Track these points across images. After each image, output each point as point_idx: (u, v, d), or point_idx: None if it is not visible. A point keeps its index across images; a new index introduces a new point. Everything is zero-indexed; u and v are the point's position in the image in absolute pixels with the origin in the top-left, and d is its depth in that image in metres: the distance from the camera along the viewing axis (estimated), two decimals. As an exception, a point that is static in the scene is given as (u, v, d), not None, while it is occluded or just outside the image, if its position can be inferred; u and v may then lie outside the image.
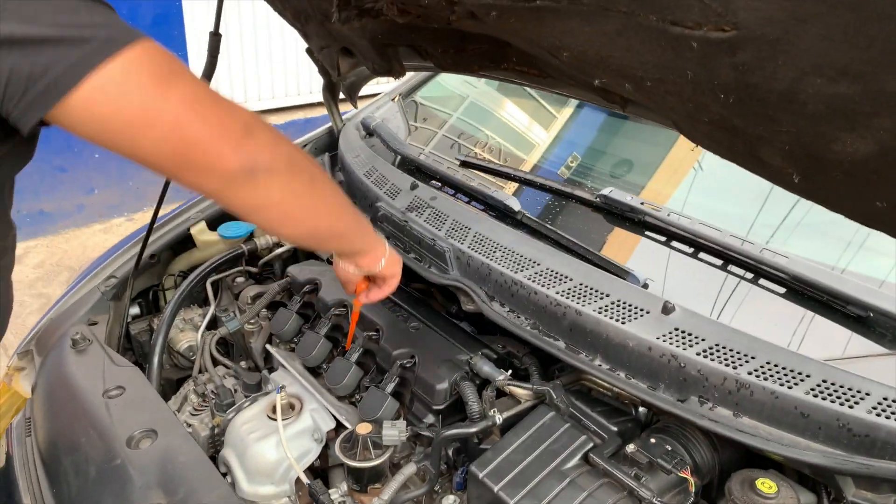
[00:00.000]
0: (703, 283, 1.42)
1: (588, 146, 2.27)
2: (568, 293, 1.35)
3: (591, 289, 1.34)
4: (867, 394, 1.06)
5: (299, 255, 2.13)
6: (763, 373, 1.13)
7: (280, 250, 2.05)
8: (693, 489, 1.13)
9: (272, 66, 5.33)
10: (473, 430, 1.28)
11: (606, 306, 1.30)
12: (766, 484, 1.10)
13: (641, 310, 1.27)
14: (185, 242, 2.08)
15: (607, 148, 2.24)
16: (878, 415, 1.04)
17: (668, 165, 1.96)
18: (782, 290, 1.34)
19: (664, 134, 2.01)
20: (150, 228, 1.66)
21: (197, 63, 4.86)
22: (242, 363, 1.89)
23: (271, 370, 1.79)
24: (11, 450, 1.55)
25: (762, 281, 1.37)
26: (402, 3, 1.17)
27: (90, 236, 4.52)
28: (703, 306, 1.31)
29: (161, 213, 2.08)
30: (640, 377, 1.25)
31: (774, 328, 1.27)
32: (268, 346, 1.77)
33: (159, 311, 2.06)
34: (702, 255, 1.46)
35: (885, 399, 1.05)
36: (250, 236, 2.08)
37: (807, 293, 1.30)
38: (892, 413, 1.04)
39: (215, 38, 1.42)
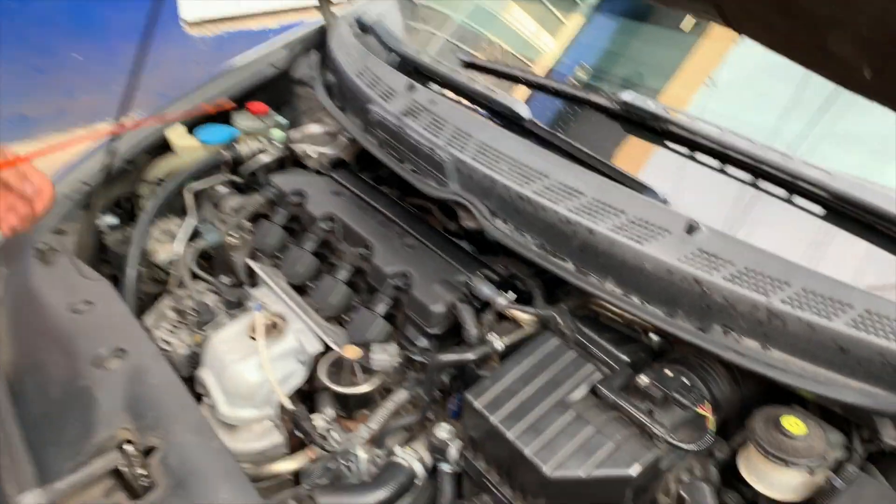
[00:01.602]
0: (732, 201, 1.27)
1: (597, 56, 2.08)
2: (579, 210, 1.21)
3: (606, 205, 1.20)
4: (917, 327, 0.94)
5: (286, 164, 1.97)
6: (798, 301, 1.00)
7: (265, 159, 1.89)
8: (711, 426, 1.03)
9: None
10: (470, 356, 1.17)
11: (622, 225, 1.16)
12: (793, 422, 1.00)
13: (662, 229, 1.14)
14: (162, 147, 1.92)
15: (617, 59, 2.04)
16: (929, 351, 0.92)
17: (678, 80, 1.79)
18: (822, 210, 1.20)
19: (675, 47, 1.84)
20: (118, 131, 1.50)
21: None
22: (224, 278, 1.76)
23: (255, 286, 1.67)
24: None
25: (798, 199, 1.23)
26: None
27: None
28: (730, 227, 1.17)
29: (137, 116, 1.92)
30: (657, 303, 1.13)
31: (811, 252, 1.13)
32: (250, 261, 1.64)
33: (136, 221, 1.92)
34: (730, 168, 1.31)
35: (938, 334, 0.93)
36: (233, 142, 1.92)
37: (849, 213, 1.16)
38: (945, 350, 0.92)
39: None
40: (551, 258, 1.24)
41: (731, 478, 1.22)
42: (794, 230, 1.20)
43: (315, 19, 2.26)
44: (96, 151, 1.82)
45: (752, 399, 1.16)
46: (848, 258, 1.13)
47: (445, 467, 1.20)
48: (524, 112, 1.47)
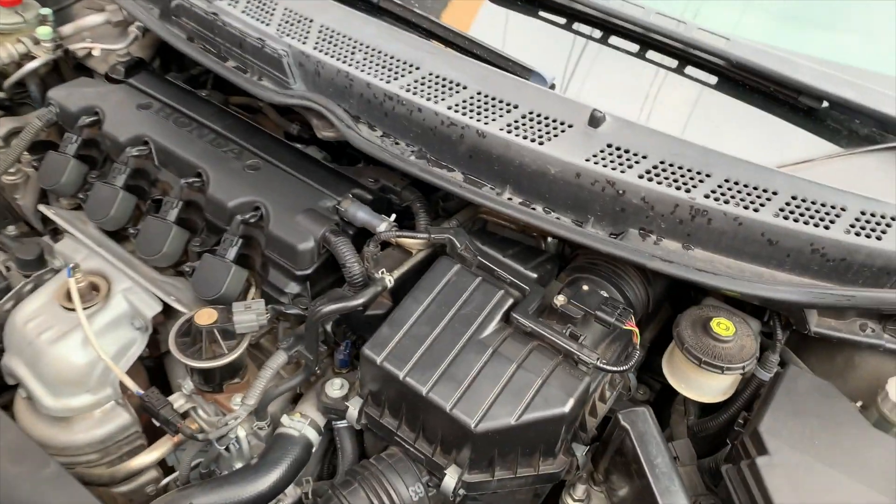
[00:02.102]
0: (620, 77, 1.13)
1: None
2: (464, 107, 1.01)
3: (493, 99, 1.01)
4: (842, 209, 0.88)
5: (62, 68, 1.54)
6: (723, 194, 0.90)
7: (32, 65, 1.45)
8: (638, 340, 0.94)
9: None
10: (358, 301, 0.97)
11: (516, 121, 0.98)
12: (723, 325, 0.93)
13: (562, 123, 0.97)
14: None
15: None
16: (858, 234, 0.87)
17: None
18: (715, 79, 1.09)
19: None
20: None
21: None
22: (10, 228, 1.39)
23: (55, 234, 1.32)
24: None
25: (691, 69, 1.11)
26: None
27: None
28: (626, 109, 1.03)
29: None
30: (564, 210, 0.99)
31: (708, 130, 1.04)
32: (42, 207, 1.28)
33: None
34: (614, 39, 1.16)
35: (864, 213, 0.88)
36: (-18, 46, 1.46)
37: (749, 83, 1.06)
38: (872, 230, 0.87)
39: None
40: (434, 169, 1.04)
41: (639, 372, 1.18)
42: (685, 106, 1.09)
43: None
44: None
45: (659, 294, 1.10)
46: (749, 133, 1.04)
47: (342, 424, 1.03)
48: (369, -17, 1.21)
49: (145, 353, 1.18)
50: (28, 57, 1.47)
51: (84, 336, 1.07)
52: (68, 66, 1.55)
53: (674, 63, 1.12)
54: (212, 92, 1.42)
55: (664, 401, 1.14)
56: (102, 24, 1.55)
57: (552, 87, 1.07)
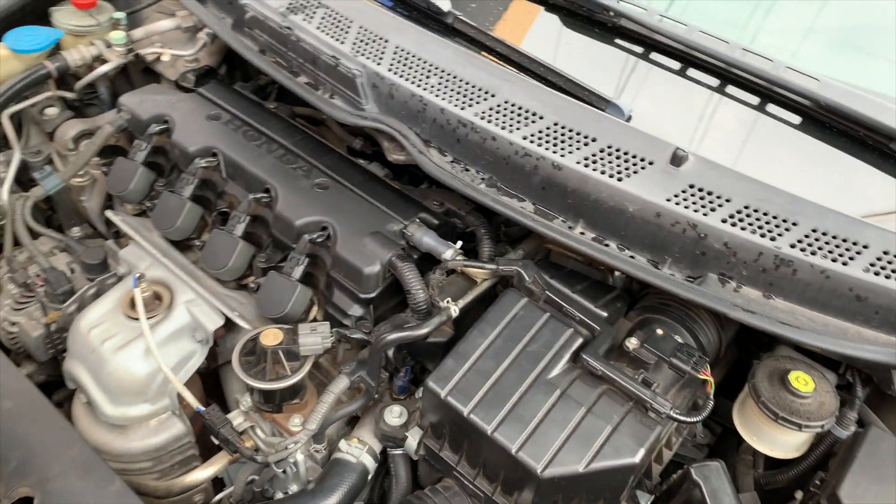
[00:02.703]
0: (698, 112, 1.10)
1: None
2: (540, 138, 0.99)
3: (570, 130, 0.98)
4: (938, 267, 0.84)
5: (131, 72, 1.56)
6: (810, 244, 0.86)
7: (103, 68, 1.47)
8: (712, 390, 0.91)
9: None
10: (425, 331, 0.96)
11: (594, 155, 0.96)
12: (801, 379, 0.89)
13: (642, 160, 0.95)
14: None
15: None
16: (954, 296, 0.82)
17: None
18: (799, 119, 1.06)
19: None
20: None
21: None
22: (75, 230, 1.41)
23: (118, 236, 1.34)
24: None
25: (773, 107, 1.07)
26: None
27: None
28: (704, 145, 1.00)
29: None
30: (640, 249, 0.96)
31: (790, 172, 1.00)
32: (109, 214, 1.30)
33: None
34: (693, 72, 1.12)
35: (962, 275, 0.83)
36: (56, 48, 1.48)
37: (836, 125, 1.02)
38: (970, 292, 0.82)
39: None
40: (504, 198, 1.02)
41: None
42: (769, 147, 1.05)
43: None
44: None
45: (730, 337, 1.06)
46: (834, 178, 1.00)
47: (397, 451, 1.02)
48: (444, 5, 1.19)
49: (202, 365, 1.18)
50: (100, 60, 1.49)
51: (146, 346, 1.08)
52: (137, 70, 1.57)
53: (755, 100, 1.08)
54: (279, 104, 1.42)
55: (724, 444, 1.11)
56: (173, 30, 1.56)
57: (629, 119, 1.05)
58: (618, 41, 1.18)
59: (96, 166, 1.38)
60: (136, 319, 1.09)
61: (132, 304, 1.11)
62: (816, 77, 1.00)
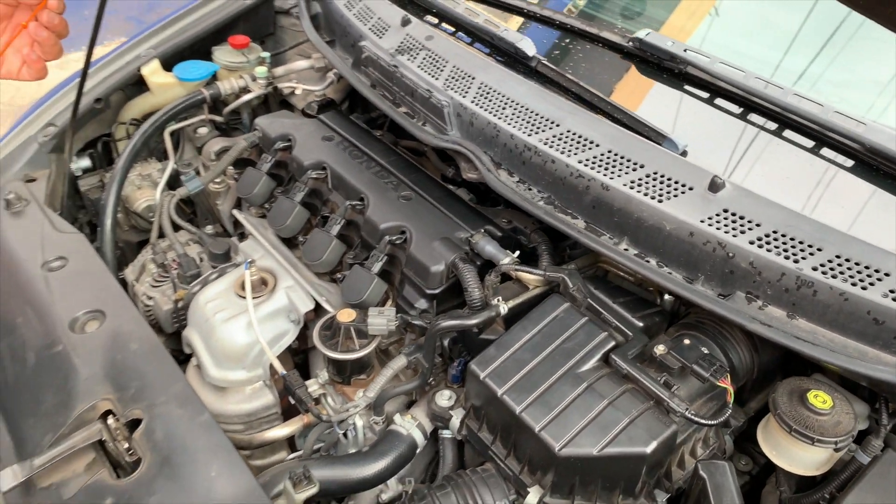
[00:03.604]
0: (757, 153, 1.18)
1: None
2: (593, 162, 1.11)
3: (622, 157, 1.10)
4: (960, 299, 0.87)
5: (270, 102, 1.84)
6: (832, 268, 0.92)
7: (247, 97, 1.76)
8: (731, 399, 0.97)
9: None
10: (473, 321, 1.09)
11: (640, 179, 1.07)
12: (820, 398, 0.94)
13: (683, 185, 1.05)
14: (137, 85, 1.78)
15: None
16: (973, 326, 0.85)
17: (684, 7, 1.67)
18: (851, 162, 1.11)
19: None
20: (86, 67, 1.36)
21: None
22: (208, 227, 1.67)
23: (242, 236, 1.58)
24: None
25: (826, 151, 1.14)
26: None
27: (46, 72, 4.09)
28: (756, 183, 1.08)
29: (106, 47, 1.77)
30: (676, 266, 1.05)
31: (841, 211, 1.05)
32: (235, 212, 1.55)
33: (112, 165, 1.80)
34: (753, 116, 1.21)
35: (983, 307, 0.86)
36: (213, 79, 1.79)
37: (883, 168, 1.07)
38: None
39: None
40: (560, 215, 1.15)
41: (742, 441, 1.18)
42: (822, 186, 1.11)
43: None
44: (64, 88, 1.68)
45: (769, 363, 1.11)
46: (881, 218, 1.05)
47: (447, 434, 1.14)
48: (530, 50, 1.35)
49: (294, 345, 1.37)
50: (245, 90, 1.78)
51: (249, 320, 1.28)
52: (275, 101, 1.85)
53: (809, 143, 1.15)
54: (385, 133, 1.64)
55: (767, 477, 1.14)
56: (307, 69, 1.83)
57: (684, 153, 1.15)
58: (686, 87, 1.29)
59: (231, 175, 1.64)
60: (244, 298, 1.30)
61: (242, 286, 1.32)
62: (864, 121, 1.06)
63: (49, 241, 1.36)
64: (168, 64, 1.76)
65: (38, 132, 1.60)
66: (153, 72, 1.73)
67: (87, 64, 1.34)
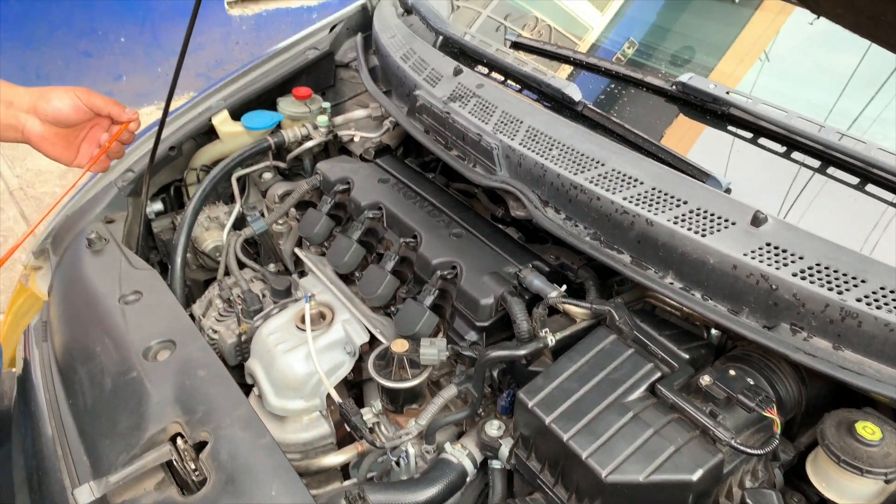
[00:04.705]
0: (800, 190, 1.20)
1: (646, 30, 2.00)
2: (637, 199, 1.15)
3: (666, 194, 1.14)
4: None
5: (330, 149, 1.95)
6: (876, 300, 0.93)
7: (309, 144, 1.87)
8: (777, 430, 0.98)
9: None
10: (522, 352, 1.13)
11: (683, 215, 1.11)
12: (868, 429, 0.94)
13: (726, 220, 1.08)
14: (207, 134, 1.92)
15: (667, 33, 1.96)
16: None
17: (731, 56, 1.71)
18: (894, 197, 1.12)
19: (728, 20, 1.76)
20: (164, 119, 1.48)
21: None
22: (271, 266, 1.76)
23: (301, 274, 1.66)
24: (29, 354, 1.47)
25: (871, 187, 1.15)
26: None
27: (121, 125, 4.39)
28: (799, 218, 1.10)
29: (179, 101, 1.91)
30: (721, 299, 1.07)
31: (885, 244, 1.06)
32: (296, 250, 1.63)
33: (183, 208, 1.93)
34: (797, 155, 1.23)
35: None
36: (277, 128, 1.91)
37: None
38: None
39: None
40: (606, 250, 1.19)
41: (794, 478, 1.17)
42: (868, 222, 1.12)
43: None
44: (142, 138, 1.82)
45: (818, 397, 1.11)
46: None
47: (496, 464, 1.17)
48: (576, 95, 1.42)
49: (350, 377, 1.42)
50: (307, 138, 1.89)
51: (308, 352, 1.34)
52: (335, 148, 1.96)
53: (853, 180, 1.16)
54: (437, 176, 1.71)
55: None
56: (365, 118, 1.94)
57: (727, 190, 1.18)
58: (730, 128, 1.33)
59: (293, 217, 1.74)
60: (304, 330, 1.37)
61: (302, 319, 1.40)
62: (906, 157, 1.08)
63: (126, 276, 1.46)
64: (236, 114, 1.89)
65: (118, 178, 1.73)
66: (223, 121, 1.86)
67: (165, 116, 1.46)
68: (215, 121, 1.86)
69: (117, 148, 1.31)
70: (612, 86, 1.53)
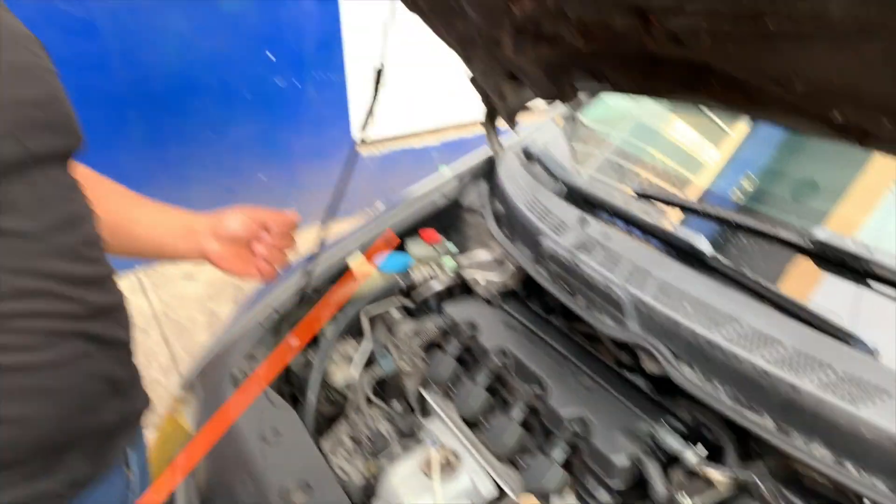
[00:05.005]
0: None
1: (765, 165, 2.01)
2: (779, 361, 1.12)
3: (809, 357, 1.11)
4: None
5: (454, 291, 2.02)
6: None
7: (437, 286, 1.95)
8: None
9: (421, 88, 5.34)
10: (659, 519, 1.09)
11: (830, 382, 1.06)
12: None
13: (879, 390, 1.02)
14: (342, 274, 2.04)
15: (788, 168, 1.96)
16: None
17: (858, 190, 1.68)
18: None
19: (848, 161, 1.74)
20: (313, 263, 1.61)
21: (355, 89, 4.97)
22: (396, 404, 1.80)
23: (425, 413, 1.69)
24: (174, 487, 1.56)
25: None
26: (588, 28, 1.02)
27: (255, 254, 4.76)
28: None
29: (310, 231, 2.07)
30: (878, 474, 1.00)
31: None
32: (422, 391, 1.67)
33: (316, 343, 2.04)
34: (952, 316, 1.17)
35: None
36: (406, 269, 2.01)
37: None
38: None
39: (380, 73, 1.36)
40: (747, 413, 1.15)
41: None
42: None
43: (472, 135, 2.38)
44: (286, 278, 1.97)
45: None
46: None
47: None
48: (706, 248, 1.42)
49: (475, 528, 1.41)
50: (434, 279, 1.98)
51: (434, 501, 1.35)
52: (459, 289, 2.03)
53: None
54: (561, 320, 1.73)
55: None
56: (489, 260, 2.01)
57: (874, 354, 1.13)
58: (872, 284, 1.28)
59: (419, 357, 1.79)
60: (430, 477, 1.39)
61: (429, 464, 1.41)
62: None
63: (266, 414, 1.55)
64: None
65: (264, 318, 1.87)
66: (359, 263, 1.99)
67: (313, 261, 1.59)
68: (351, 262, 1.99)
69: (280, 257, 1.46)
70: (740, 236, 1.53)
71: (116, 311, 1.02)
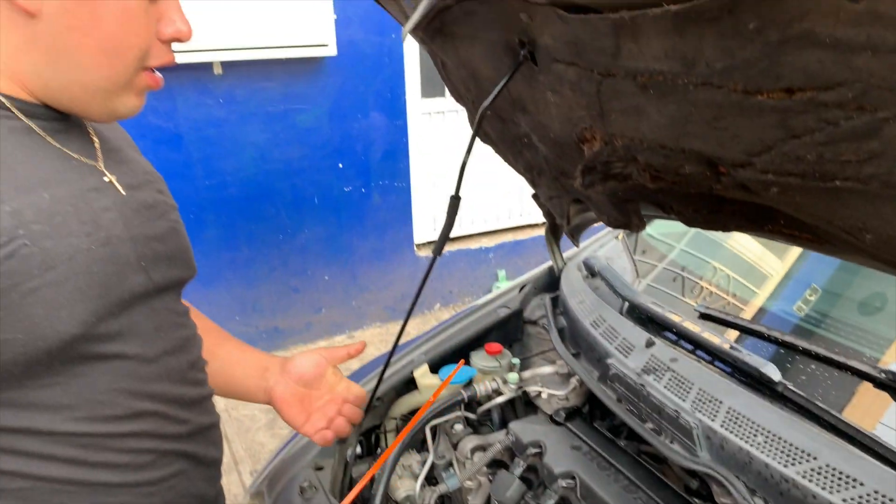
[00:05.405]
0: None
1: (831, 275, 1.99)
2: (860, 502, 1.10)
3: (892, 501, 1.08)
4: None
5: (516, 404, 2.03)
6: None
7: (500, 399, 1.97)
8: None
9: (477, 190, 5.50)
10: None
11: (916, 528, 1.03)
12: None
13: (970, 539, 0.99)
14: (406, 384, 2.09)
15: (852, 278, 1.94)
16: None
17: None
18: None
19: None
20: (382, 376, 1.66)
21: (419, 195, 5.17)
22: (459, 521, 1.79)
23: (489, 533, 1.67)
24: None
25: None
26: (657, 170, 1.08)
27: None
28: None
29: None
30: None
31: None
32: (488, 512, 1.67)
33: (379, 452, 2.06)
34: None
35: None
36: (469, 381, 2.04)
37: None
38: None
39: (456, 200, 1.44)
40: (828, 554, 1.12)
41: None
42: None
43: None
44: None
45: None
46: None
47: None
48: (775, 376, 1.42)
49: None
50: (497, 392, 2.00)
51: None
52: (521, 402, 2.04)
53: None
54: (628, 442, 1.72)
55: None
56: (552, 374, 2.03)
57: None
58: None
59: (484, 474, 1.79)
60: None
61: (494, 591, 1.39)
62: None
63: (332, 528, 1.56)
64: (434, 367, 2.06)
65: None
66: (423, 374, 2.03)
67: (382, 375, 1.64)
68: (416, 373, 2.03)
69: (343, 427, 1.46)
70: (810, 364, 1.52)
71: (212, 431, 1.08)
